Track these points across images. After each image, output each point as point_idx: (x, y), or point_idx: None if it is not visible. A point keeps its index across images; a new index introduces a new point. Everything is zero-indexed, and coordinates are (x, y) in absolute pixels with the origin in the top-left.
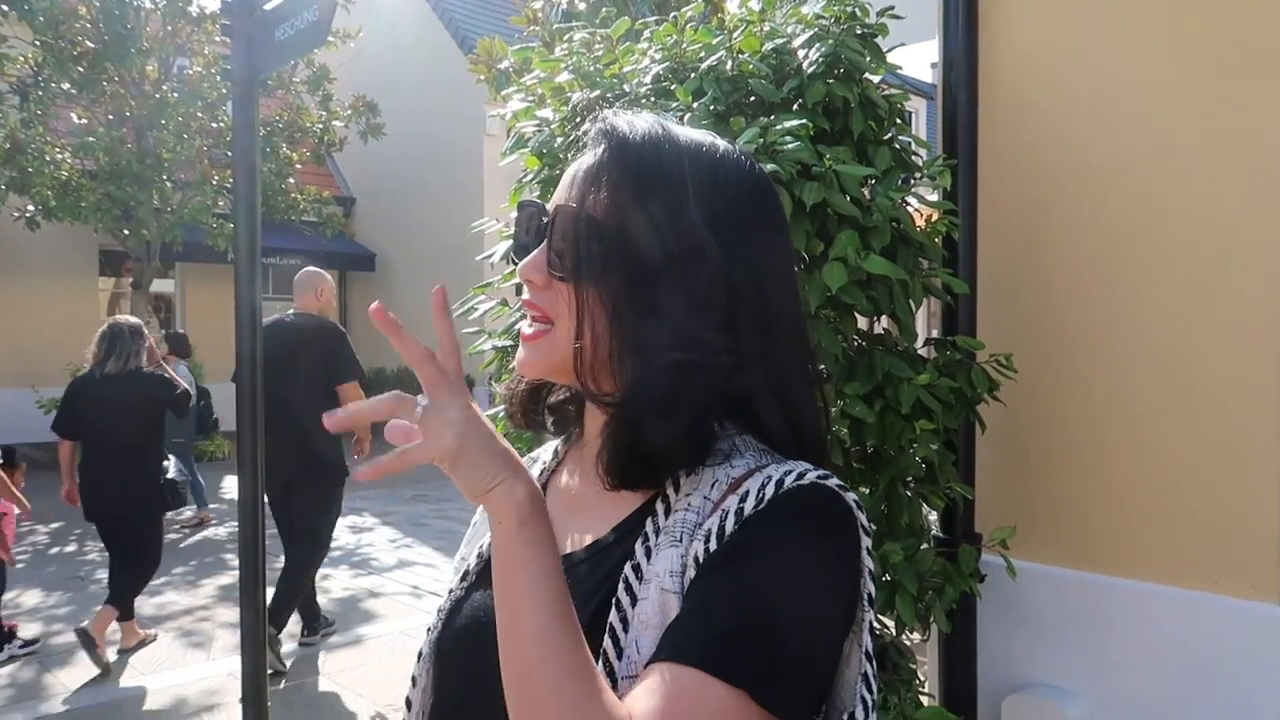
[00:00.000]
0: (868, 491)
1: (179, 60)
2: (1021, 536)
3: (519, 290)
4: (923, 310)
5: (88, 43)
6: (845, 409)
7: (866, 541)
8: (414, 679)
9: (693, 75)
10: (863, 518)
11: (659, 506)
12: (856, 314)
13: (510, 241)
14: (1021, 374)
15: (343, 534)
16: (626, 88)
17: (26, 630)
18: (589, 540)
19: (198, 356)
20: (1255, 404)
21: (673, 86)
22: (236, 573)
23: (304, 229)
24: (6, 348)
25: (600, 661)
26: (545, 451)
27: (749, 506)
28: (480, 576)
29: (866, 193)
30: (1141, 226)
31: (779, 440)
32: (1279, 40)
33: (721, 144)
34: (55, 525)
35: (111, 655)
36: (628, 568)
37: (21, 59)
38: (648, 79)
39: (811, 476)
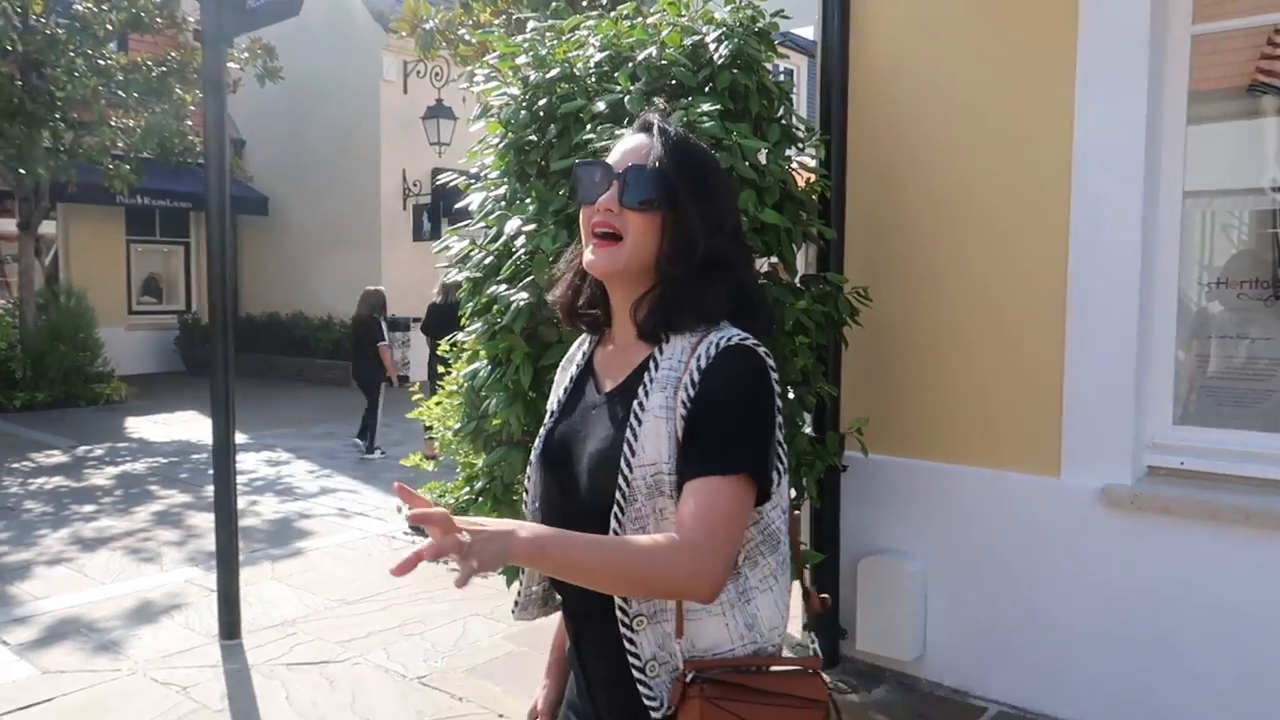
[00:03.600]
0: None
1: None
2: (874, 433)
3: (495, 237)
4: (801, 252)
5: None
6: None
7: (774, 374)
8: (529, 477)
9: (629, 64)
10: (770, 361)
11: (651, 365)
12: (754, 254)
13: (484, 192)
14: (877, 303)
15: (261, 466)
16: (575, 70)
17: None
18: (617, 383)
19: (89, 299)
20: (1042, 327)
21: (615, 73)
22: (163, 501)
23: (201, 172)
24: None
25: (622, 457)
26: (586, 339)
27: (703, 362)
28: (562, 411)
29: (762, 159)
30: (967, 189)
31: (746, 323)
32: (1064, 50)
33: (699, 141)
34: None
35: None
36: (635, 405)
37: None
38: (591, 65)
39: (737, 339)
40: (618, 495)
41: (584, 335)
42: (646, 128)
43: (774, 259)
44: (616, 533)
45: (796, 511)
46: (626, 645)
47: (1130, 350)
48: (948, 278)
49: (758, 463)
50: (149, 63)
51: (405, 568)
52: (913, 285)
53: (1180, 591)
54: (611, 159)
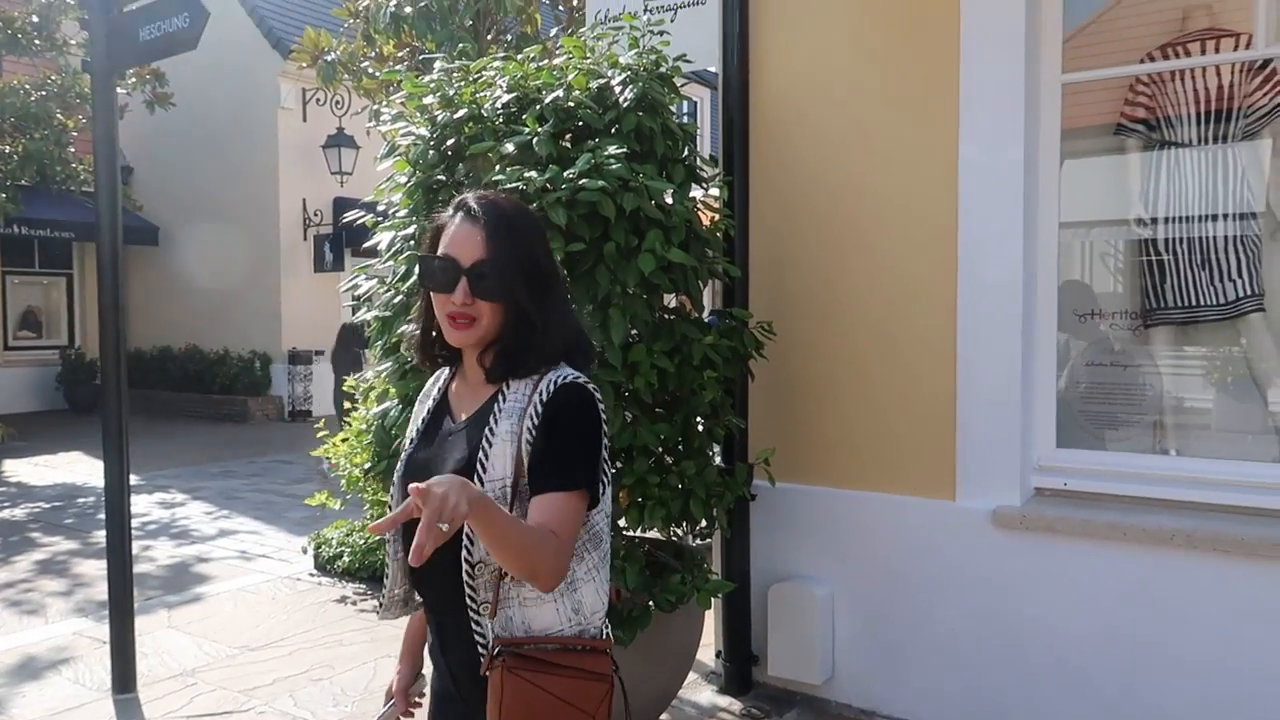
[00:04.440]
0: (669, 424)
1: None
2: (781, 462)
3: (404, 276)
4: (709, 288)
5: None
6: (654, 361)
7: (602, 405)
8: (392, 497)
9: (536, 106)
10: (598, 395)
11: (499, 398)
12: (661, 292)
13: (392, 231)
14: (781, 337)
15: (154, 509)
16: (483, 111)
17: None
18: (470, 414)
19: None
20: (935, 357)
21: (523, 115)
22: (47, 549)
23: (85, 200)
24: None
25: (476, 474)
26: (442, 375)
27: (545, 397)
28: (421, 438)
29: (668, 199)
30: (861, 226)
31: (575, 363)
32: (947, 97)
33: (528, 209)
34: None
35: None
36: (486, 430)
37: None
38: (499, 106)
39: (570, 377)
40: None
41: (439, 371)
42: (471, 215)
43: (682, 296)
44: (470, 539)
45: (708, 540)
46: (474, 629)
47: (1015, 377)
48: (846, 311)
49: (590, 479)
50: (26, 86)
51: (384, 528)
52: (814, 319)
53: (1066, 605)
54: (450, 248)
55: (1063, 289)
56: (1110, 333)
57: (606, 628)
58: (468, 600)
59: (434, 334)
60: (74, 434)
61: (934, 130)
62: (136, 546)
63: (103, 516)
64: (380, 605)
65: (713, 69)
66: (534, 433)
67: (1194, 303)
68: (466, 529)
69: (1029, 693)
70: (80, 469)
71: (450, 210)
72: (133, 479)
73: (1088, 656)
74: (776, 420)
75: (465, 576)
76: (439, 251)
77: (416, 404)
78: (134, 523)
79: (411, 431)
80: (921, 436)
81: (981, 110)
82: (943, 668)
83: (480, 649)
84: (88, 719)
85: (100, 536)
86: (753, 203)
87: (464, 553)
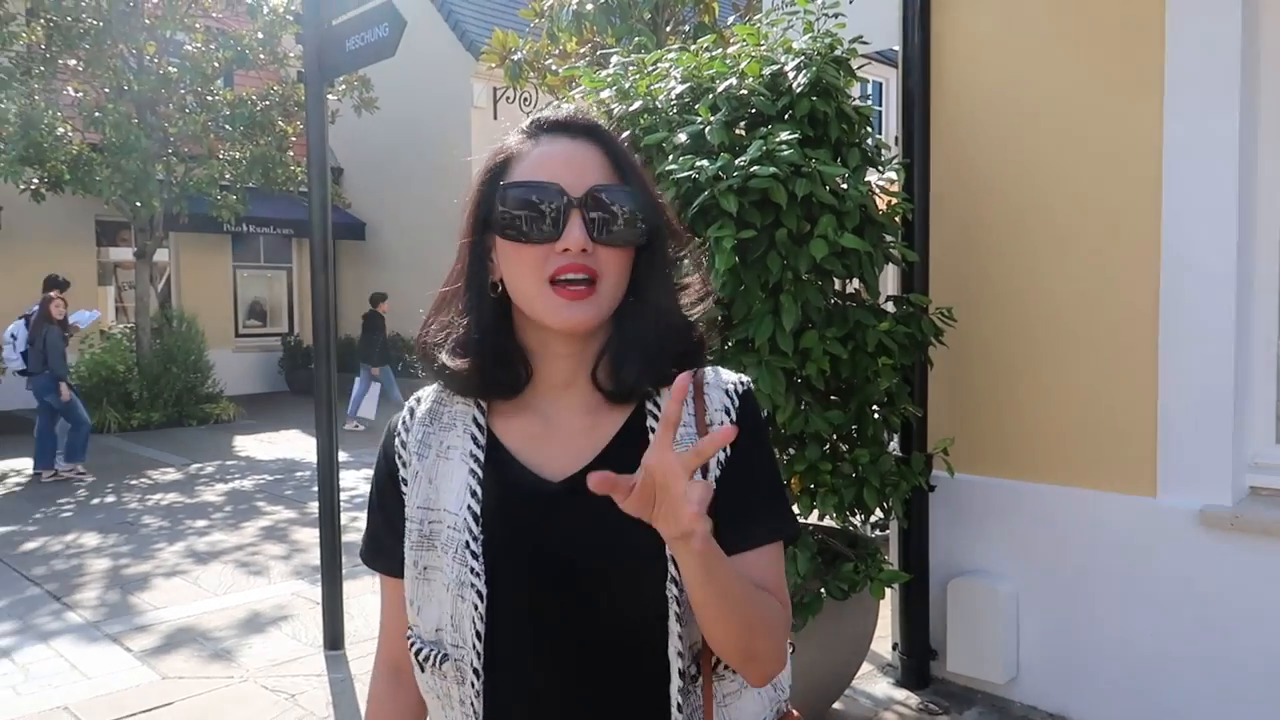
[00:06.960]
0: (842, 411)
1: (178, 35)
2: (962, 453)
3: None
4: (886, 274)
5: (90, 20)
6: (827, 348)
7: None
8: (425, 612)
9: (709, 95)
10: None
11: (649, 422)
12: (835, 278)
13: None
14: (962, 324)
15: (361, 484)
16: (657, 103)
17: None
18: (586, 463)
19: (199, 322)
20: (1134, 346)
21: (696, 105)
22: (270, 517)
23: (302, 200)
24: (13, 310)
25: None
26: (448, 417)
27: (733, 415)
28: (494, 515)
29: (842, 184)
30: (1049, 209)
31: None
32: (1151, 68)
33: None
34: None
35: None
36: None
37: (25, 35)
38: (673, 96)
39: (744, 380)
40: (672, 604)
41: (420, 416)
42: (576, 129)
43: (856, 283)
44: (681, 646)
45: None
46: None
47: (1227, 368)
48: (1034, 297)
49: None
50: (253, 97)
51: (604, 485)
52: (999, 305)
53: None
54: (543, 172)
55: None
56: None
57: (784, 694)
58: (675, 708)
59: (494, 338)
60: (294, 413)
61: (1134, 106)
62: (345, 518)
63: (316, 489)
64: None
65: (895, 49)
66: (723, 465)
67: None
68: (676, 619)
69: (1235, 705)
70: (299, 445)
71: (523, 133)
72: (342, 455)
73: None
74: (957, 409)
75: (676, 695)
76: (519, 179)
77: (415, 459)
78: (343, 496)
79: (454, 506)
80: (1118, 429)
81: (1190, 82)
82: (1139, 676)
83: None
84: (303, 670)
85: (315, 507)
86: (934, 186)
87: (678, 661)
